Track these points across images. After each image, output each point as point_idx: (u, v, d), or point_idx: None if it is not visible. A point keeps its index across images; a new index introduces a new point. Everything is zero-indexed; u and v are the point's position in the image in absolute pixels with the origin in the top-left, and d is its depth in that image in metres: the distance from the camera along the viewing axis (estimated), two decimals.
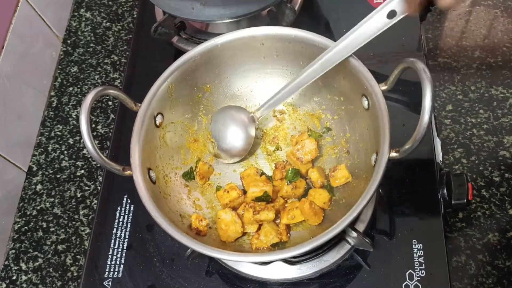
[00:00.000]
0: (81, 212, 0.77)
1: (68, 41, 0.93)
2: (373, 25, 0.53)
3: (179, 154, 0.64)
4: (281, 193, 0.61)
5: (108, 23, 0.94)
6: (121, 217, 0.68)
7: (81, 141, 0.83)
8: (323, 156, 0.64)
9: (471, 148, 0.73)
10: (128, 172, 0.55)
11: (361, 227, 0.61)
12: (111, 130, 0.81)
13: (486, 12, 0.85)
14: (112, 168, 0.55)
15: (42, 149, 0.83)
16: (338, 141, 0.64)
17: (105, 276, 0.64)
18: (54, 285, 0.72)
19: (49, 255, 0.74)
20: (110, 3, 0.97)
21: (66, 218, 0.77)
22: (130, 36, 0.92)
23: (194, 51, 0.61)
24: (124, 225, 0.67)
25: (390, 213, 0.62)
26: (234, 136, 0.63)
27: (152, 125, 0.60)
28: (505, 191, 0.69)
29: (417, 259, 0.59)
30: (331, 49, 0.55)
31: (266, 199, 0.59)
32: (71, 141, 0.83)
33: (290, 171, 0.61)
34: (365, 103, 0.56)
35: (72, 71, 0.90)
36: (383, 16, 0.52)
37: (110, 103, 0.86)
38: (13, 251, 0.75)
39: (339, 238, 0.60)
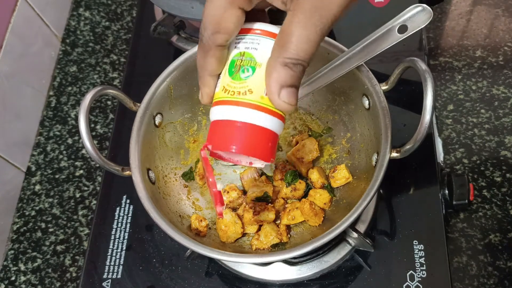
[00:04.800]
0: (80, 213, 0.77)
1: (67, 41, 0.93)
2: (383, 39, 0.52)
3: (179, 155, 0.64)
4: (281, 194, 0.61)
5: (107, 23, 0.94)
6: (120, 217, 0.67)
7: (80, 141, 0.83)
8: (323, 156, 0.64)
9: (473, 148, 0.72)
10: (127, 173, 0.55)
11: (361, 227, 0.61)
12: (110, 130, 0.81)
13: (487, 12, 0.84)
14: (111, 168, 0.54)
15: (41, 149, 0.83)
16: (338, 141, 0.63)
17: (104, 277, 0.63)
18: (53, 286, 0.71)
19: (48, 256, 0.74)
20: (109, 2, 0.96)
21: (65, 219, 0.76)
22: (129, 35, 0.91)
23: (193, 51, 0.61)
24: (123, 225, 0.67)
25: (391, 214, 0.62)
26: None
27: (152, 125, 0.59)
28: (506, 192, 0.69)
29: (418, 260, 0.58)
30: (338, 59, 0.55)
31: (266, 199, 0.59)
32: (70, 141, 0.83)
33: (288, 174, 0.60)
34: (366, 102, 0.56)
35: (71, 70, 0.90)
36: (394, 30, 0.52)
37: (109, 102, 0.85)
38: (12, 251, 0.75)
39: (340, 239, 0.60)
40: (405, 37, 0.52)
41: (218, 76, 0.42)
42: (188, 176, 0.63)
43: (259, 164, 0.44)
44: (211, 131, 0.41)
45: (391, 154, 0.50)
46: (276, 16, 0.75)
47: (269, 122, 0.40)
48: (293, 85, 0.37)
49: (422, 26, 0.52)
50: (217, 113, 0.41)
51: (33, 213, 0.78)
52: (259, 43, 0.40)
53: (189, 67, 0.61)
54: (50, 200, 0.78)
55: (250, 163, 0.44)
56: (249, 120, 0.39)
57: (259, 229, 0.59)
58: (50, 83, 0.89)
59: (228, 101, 0.40)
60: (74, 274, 0.72)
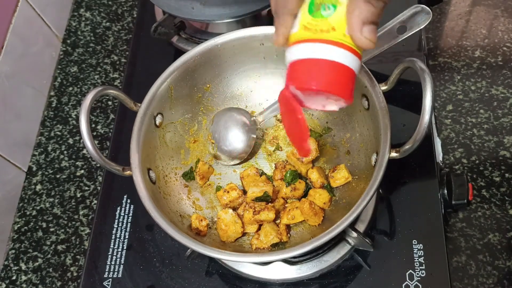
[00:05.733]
0: (81, 212, 0.77)
1: (68, 41, 0.93)
2: (383, 39, 0.53)
3: (179, 154, 0.64)
4: (281, 194, 0.61)
5: (108, 23, 0.94)
6: (121, 217, 0.67)
7: (81, 141, 0.83)
8: (323, 156, 0.64)
9: (472, 148, 0.73)
10: (128, 172, 0.55)
11: (361, 227, 0.61)
12: (111, 130, 0.81)
13: (486, 12, 0.85)
14: (112, 168, 0.55)
15: (41, 149, 0.83)
16: (338, 141, 0.64)
17: (104, 276, 0.63)
18: (53, 285, 0.72)
19: (49, 255, 0.74)
20: (110, 3, 0.97)
21: (66, 218, 0.77)
22: (130, 36, 0.92)
23: (194, 51, 0.61)
24: (124, 225, 0.67)
25: (390, 213, 0.62)
26: (235, 139, 0.63)
27: (152, 125, 0.60)
28: (505, 191, 0.69)
29: (417, 259, 0.59)
30: None
31: (266, 199, 0.59)
32: (70, 141, 0.83)
33: (288, 173, 0.60)
34: (365, 103, 0.56)
35: (72, 71, 0.90)
36: (394, 30, 0.52)
37: (110, 103, 0.86)
38: (13, 251, 0.75)
39: (339, 238, 0.60)
40: (404, 37, 0.53)
41: (295, 16, 0.41)
42: (188, 176, 0.63)
43: (336, 106, 0.43)
44: (292, 71, 0.40)
45: (390, 154, 0.50)
46: None
47: (352, 61, 0.39)
48: (374, 22, 0.38)
49: (422, 27, 0.52)
50: (299, 52, 0.40)
51: (34, 212, 0.78)
52: None
53: (189, 68, 0.62)
54: (51, 199, 0.79)
55: (325, 106, 0.43)
56: (333, 58, 0.39)
57: (259, 229, 0.59)
58: (51, 83, 0.89)
59: (311, 39, 0.39)
60: (75, 274, 0.72)
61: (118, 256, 0.65)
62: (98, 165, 0.80)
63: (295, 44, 0.40)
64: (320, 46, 0.39)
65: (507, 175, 0.70)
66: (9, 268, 0.74)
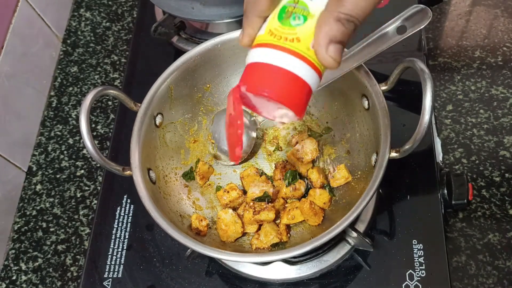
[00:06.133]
0: (81, 212, 0.77)
1: (68, 41, 0.93)
2: (383, 39, 0.53)
3: (179, 154, 0.64)
4: (281, 194, 0.61)
5: (108, 23, 0.94)
6: (121, 217, 0.67)
7: (81, 141, 0.83)
8: (323, 156, 0.64)
9: (471, 148, 0.73)
10: (128, 172, 0.55)
11: (361, 227, 0.61)
12: (111, 130, 0.81)
13: (486, 12, 0.85)
14: (112, 168, 0.55)
15: (42, 149, 0.83)
16: (338, 141, 0.64)
17: (105, 276, 0.64)
18: (54, 285, 0.72)
19: (49, 255, 0.74)
20: (110, 3, 0.97)
21: (66, 218, 0.77)
22: (130, 36, 0.92)
23: (194, 51, 0.61)
24: (124, 225, 0.67)
25: (390, 213, 0.62)
26: None
27: (152, 125, 0.60)
28: (505, 191, 0.69)
29: (417, 259, 0.59)
30: None
31: (266, 199, 0.59)
32: (71, 141, 0.83)
33: (288, 173, 0.61)
34: (365, 103, 0.56)
35: (72, 71, 0.90)
36: (394, 30, 0.52)
37: (110, 103, 0.86)
38: (13, 251, 0.75)
39: (339, 238, 0.60)
40: (404, 37, 0.53)
41: (265, 19, 0.40)
42: (188, 176, 0.63)
43: (286, 119, 0.42)
44: (247, 73, 0.40)
45: (390, 154, 0.50)
46: None
47: (310, 76, 0.39)
48: (341, 42, 0.37)
49: (422, 27, 0.52)
50: (258, 55, 0.39)
51: (34, 212, 0.78)
52: None
53: (189, 68, 0.62)
54: (51, 200, 0.79)
55: (276, 116, 0.42)
56: (291, 68, 0.38)
57: (259, 229, 0.59)
58: (51, 83, 0.89)
59: (274, 45, 0.39)
60: (75, 274, 0.72)
61: (118, 256, 0.65)
62: (98, 165, 0.80)
63: (257, 47, 0.40)
64: (281, 54, 0.38)
65: (507, 175, 0.70)
66: (9, 268, 0.74)
